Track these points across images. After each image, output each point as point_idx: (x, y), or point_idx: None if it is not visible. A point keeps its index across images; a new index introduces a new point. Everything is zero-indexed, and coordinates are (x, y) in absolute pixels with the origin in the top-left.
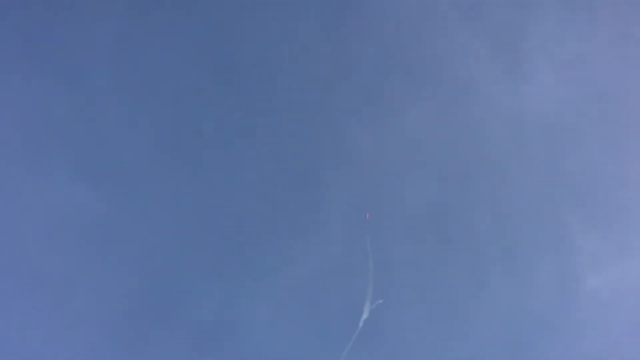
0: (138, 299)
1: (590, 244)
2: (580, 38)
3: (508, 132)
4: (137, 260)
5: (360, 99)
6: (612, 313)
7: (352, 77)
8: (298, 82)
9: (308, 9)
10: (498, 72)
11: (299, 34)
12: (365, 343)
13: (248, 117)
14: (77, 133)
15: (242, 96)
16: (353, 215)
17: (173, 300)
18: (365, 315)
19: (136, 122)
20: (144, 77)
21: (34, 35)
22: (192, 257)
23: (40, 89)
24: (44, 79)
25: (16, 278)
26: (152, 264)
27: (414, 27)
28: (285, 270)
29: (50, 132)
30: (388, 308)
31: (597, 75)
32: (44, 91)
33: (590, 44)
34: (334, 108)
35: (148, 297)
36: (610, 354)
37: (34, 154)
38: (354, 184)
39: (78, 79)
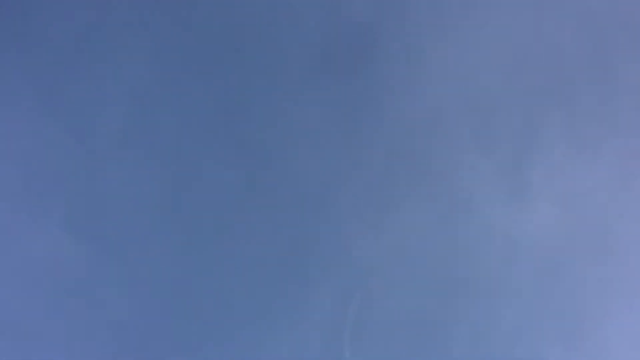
0: None
1: None
2: (583, 174)
3: (500, 255)
4: (122, 325)
5: (360, 200)
6: None
7: (354, 178)
8: (299, 176)
9: (322, 105)
10: (499, 194)
11: (309, 129)
12: None
13: (247, 198)
14: (74, 186)
15: (249, 173)
16: (337, 317)
17: None
18: None
19: (138, 183)
20: (155, 136)
21: (43, 87)
22: (177, 327)
23: (43, 136)
24: (48, 128)
25: None
26: (138, 332)
27: (424, 136)
28: None
29: (45, 182)
30: None
31: (596, 214)
32: (46, 139)
33: (592, 182)
34: (332, 207)
35: None
36: None
37: (26, 204)
38: (341, 284)
39: (84, 131)
